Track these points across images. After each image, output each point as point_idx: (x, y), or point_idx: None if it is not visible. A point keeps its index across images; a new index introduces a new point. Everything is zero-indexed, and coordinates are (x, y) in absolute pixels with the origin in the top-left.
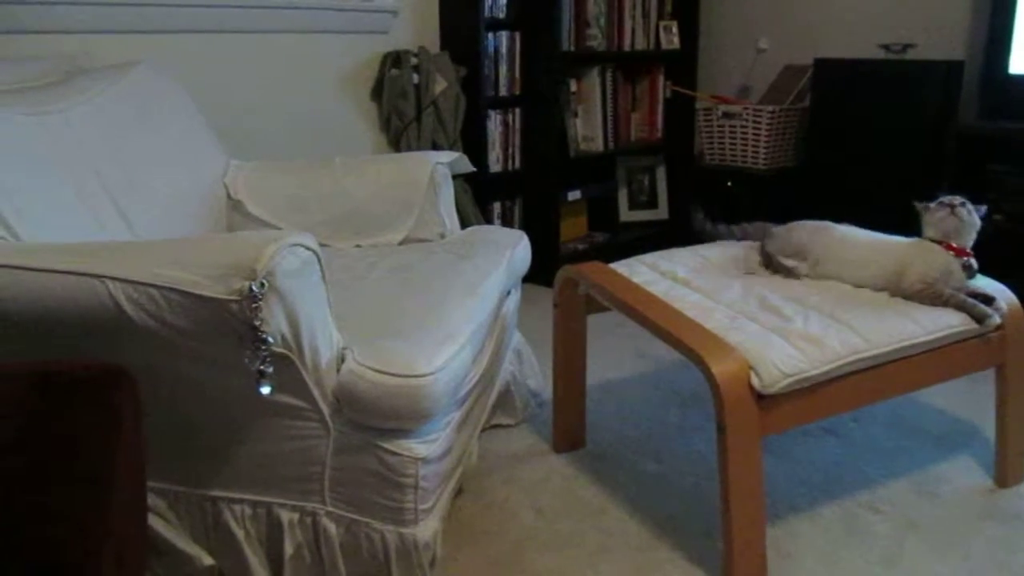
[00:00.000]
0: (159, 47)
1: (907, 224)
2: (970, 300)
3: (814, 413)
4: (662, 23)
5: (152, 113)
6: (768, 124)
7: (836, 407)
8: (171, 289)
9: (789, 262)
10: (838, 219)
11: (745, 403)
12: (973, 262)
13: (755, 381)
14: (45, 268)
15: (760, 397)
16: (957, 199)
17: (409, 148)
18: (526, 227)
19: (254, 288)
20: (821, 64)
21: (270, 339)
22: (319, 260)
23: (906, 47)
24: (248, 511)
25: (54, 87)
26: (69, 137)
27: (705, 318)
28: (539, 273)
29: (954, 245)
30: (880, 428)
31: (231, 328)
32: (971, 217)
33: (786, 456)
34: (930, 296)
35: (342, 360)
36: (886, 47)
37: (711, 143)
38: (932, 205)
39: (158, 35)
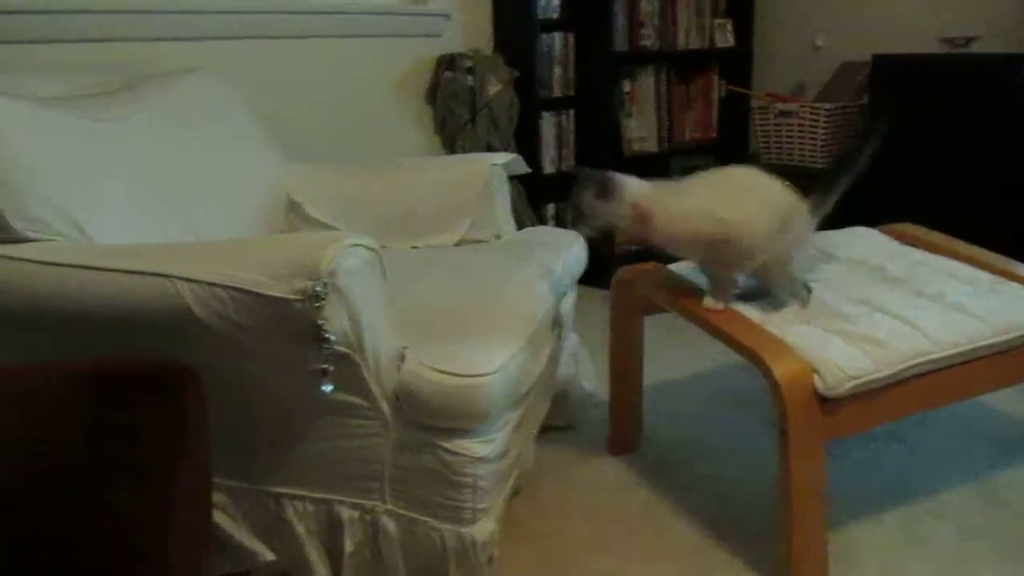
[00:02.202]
0: (218, 53)
1: (972, 224)
2: None
3: (878, 417)
4: (716, 21)
5: (211, 118)
6: (825, 122)
7: (901, 411)
8: (237, 288)
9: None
10: (899, 219)
11: (808, 406)
12: None
13: (818, 383)
14: (117, 268)
15: (823, 400)
16: None
17: (463, 150)
18: None
19: (317, 288)
20: (880, 60)
21: (332, 338)
22: (379, 260)
23: (969, 40)
24: (309, 508)
25: (117, 94)
26: (132, 142)
27: (764, 320)
28: (593, 275)
29: None
30: (946, 432)
31: (294, 327)
32: None
33: (848, 460)
34: None
35: (401, 360)
36: (948, 41)
37: (767, 142)
38: None
39: (217, 41)
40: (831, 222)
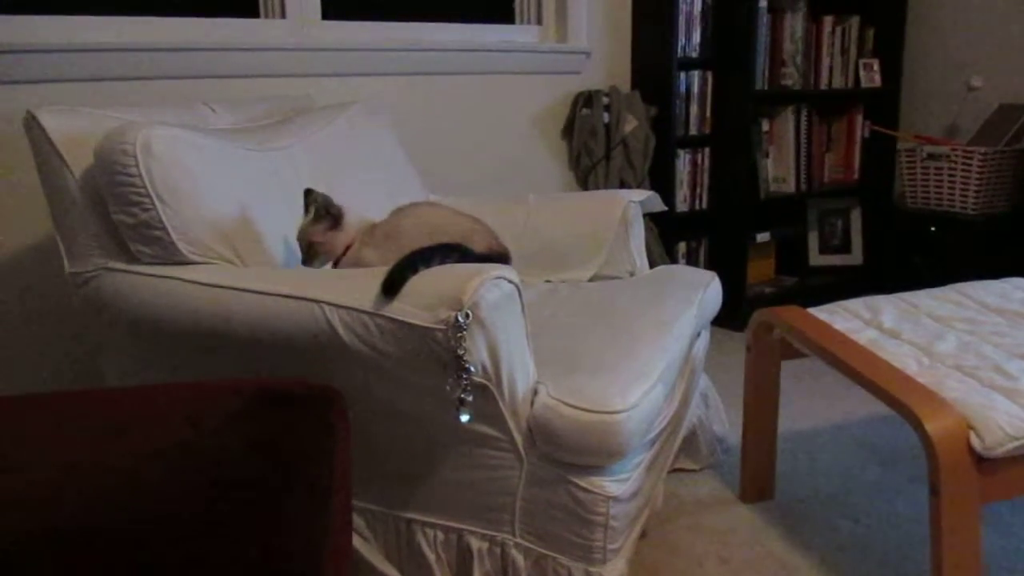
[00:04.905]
0: (368, 88)
1: None
2: None
3: None
4: (862, 60)
5: (362, 150)
6: (980, 166)
7: None
8: (382, 316)
9: None
10: None
11: (963, 465)
12: None
13: (975, 442)
14: (271, 292)
15: (980, 460)
16: None
17: (597, 186)
18: (711, 268)
19: (459, 318)
20: None
21: (472, 368)
22: (520, 293)
23: None
24: (440, 536)
25: (279, 126)
26: (290, 171)
27: (917, 371)
28: (725, 316)
29: None
30: None
31: (435, 356)
32: None
33: (1005, 528)
34: None
35: (535, 393)
36: None
37: (913, 185)
38: None
39: (367, 77)
40: (987, 272)
